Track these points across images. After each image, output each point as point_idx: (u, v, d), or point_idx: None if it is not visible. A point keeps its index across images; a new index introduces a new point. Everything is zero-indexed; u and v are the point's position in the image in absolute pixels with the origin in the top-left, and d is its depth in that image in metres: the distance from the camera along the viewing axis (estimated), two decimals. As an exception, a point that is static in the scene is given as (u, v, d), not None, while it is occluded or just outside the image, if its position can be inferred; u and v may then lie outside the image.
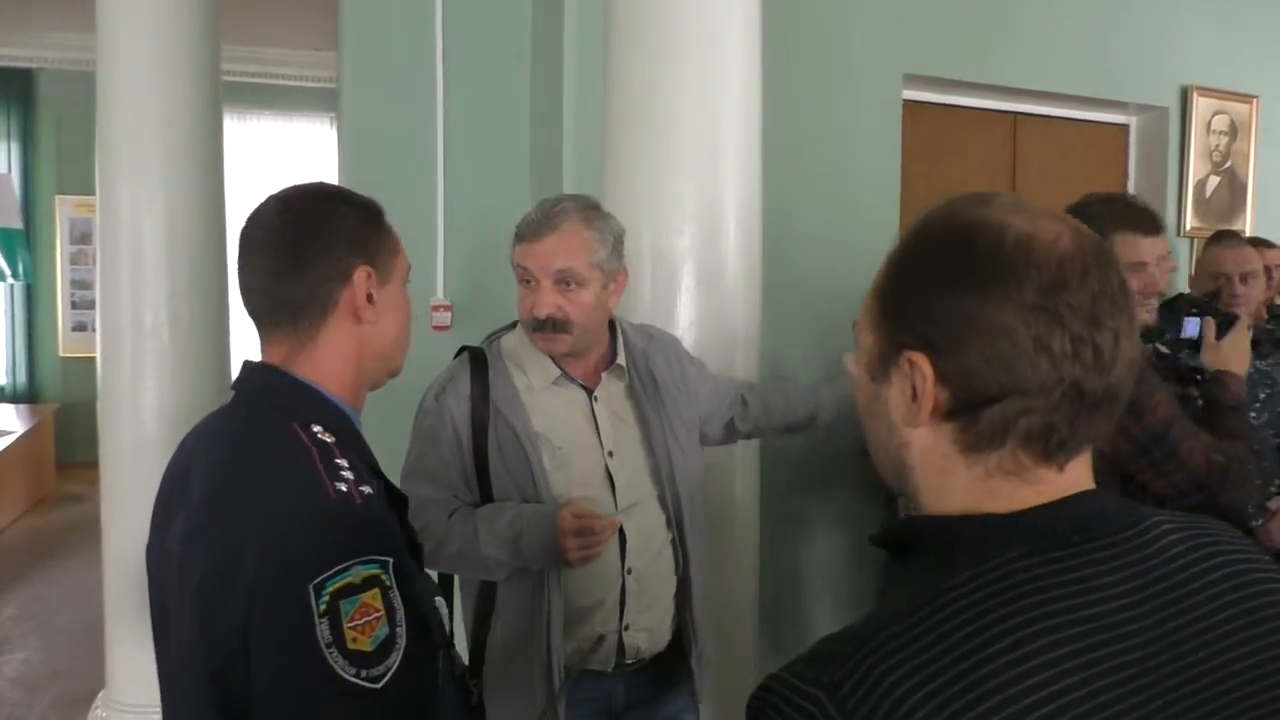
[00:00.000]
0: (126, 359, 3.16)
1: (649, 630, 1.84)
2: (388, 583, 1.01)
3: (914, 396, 0.75)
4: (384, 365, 1.26)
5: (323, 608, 0.97)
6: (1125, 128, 4.48)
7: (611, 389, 1.86)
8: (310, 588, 0.97)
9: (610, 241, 1.75)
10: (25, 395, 8.40)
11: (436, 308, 3.44)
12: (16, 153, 8.30)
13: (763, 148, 2.50)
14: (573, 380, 1.82)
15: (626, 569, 1.80)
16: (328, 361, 1.17)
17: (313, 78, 7.87)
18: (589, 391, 1.83)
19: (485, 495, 1.78)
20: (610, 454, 1.81)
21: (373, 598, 1.00)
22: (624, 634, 1.81)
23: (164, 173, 3.12)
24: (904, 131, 3.84)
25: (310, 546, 1.00)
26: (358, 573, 1.00)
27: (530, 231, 1.75)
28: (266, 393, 1.17)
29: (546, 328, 1.73)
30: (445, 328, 3.46)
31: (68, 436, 7.80)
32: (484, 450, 1.76)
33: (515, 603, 1.78)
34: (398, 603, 1.02)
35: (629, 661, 1.83)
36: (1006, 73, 3.98)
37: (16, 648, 4.40)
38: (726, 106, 2.38)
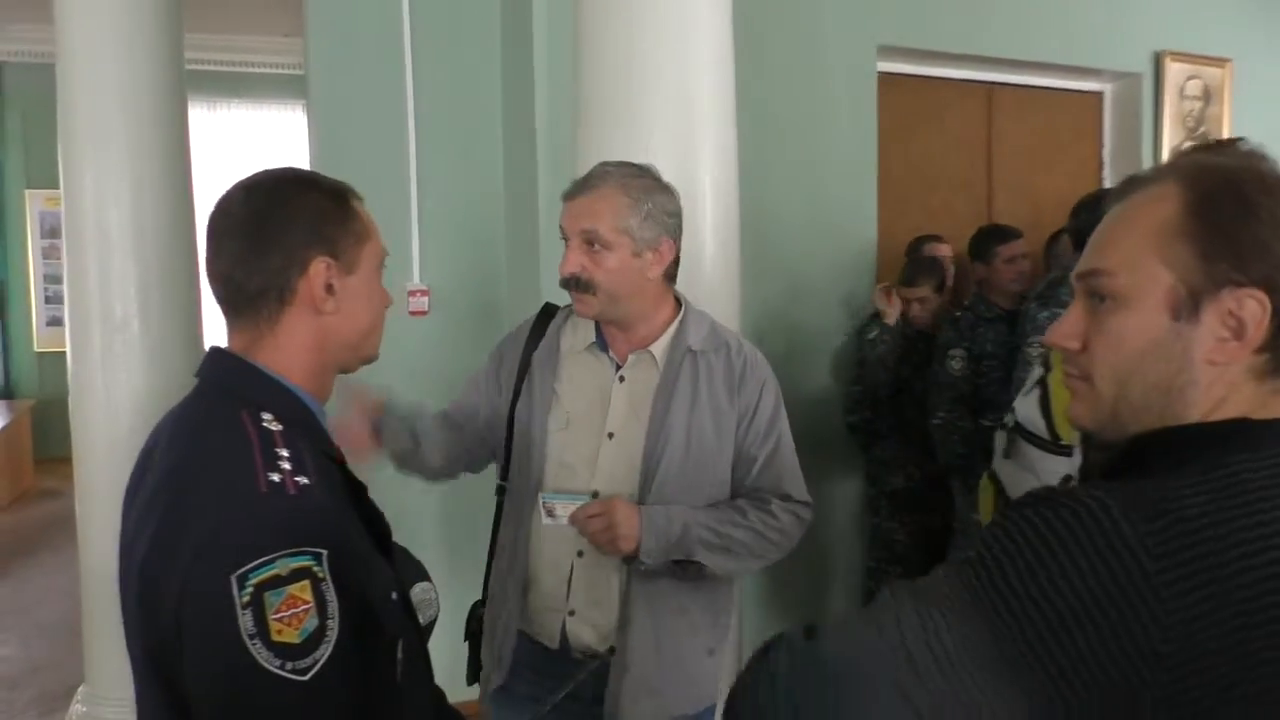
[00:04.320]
0: (96, 351, 3.12)
1: (594, 625, 1.78)
2: (320, 575, 1.00)
3: (1233, 334, 0.81)
4: (352, 354, 1.23)
5: (246, 599, 0.96)
6: (1100, 95, 4.48)
7: (642, 373, 1.79)
8: (233, 578, 0.96)
9: (645, 209, 1.70)
10: (1, 392, 8.31)
11: (413, 293, 3.41)
12: (-18, 147, 8.17)
13: (737, 125, 2.47)
14: (604, 351, 1.82)
15: (578, 551, 1.77)
16: (288, 350, 1.16)
17: (282, 64, 7.77)
18: (618, 367, 1.81)
19: (509, 428, 1.86)
20: (610, 435, 1.78)
21: (301, 590, 0.98)
22: (568, 618, 1.79)
23: (129, 162, 3.07)
24: (879, 104, 3.82)
25: (235, 537, 0.99)
26: (285, 564, 0.98)
27: (570, 190, 1.77)
28: (222, 380, 1.16)
29: (571, 286, 1.74)
30: (423, 312, 3.44)
31: (45, 432, 7.71)
32: (519, 393, 1.86)
33: (505, 552, 1.86)
34: (331, 595, 1.00)
35: (576, 653, 1.79)
36: (981, 42, 3.97)
37: (-2, 645, 4.37)
38: (700, 86, 2.35)
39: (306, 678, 0.97)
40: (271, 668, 0.96)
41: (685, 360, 1.78)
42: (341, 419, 1.68)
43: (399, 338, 3.39)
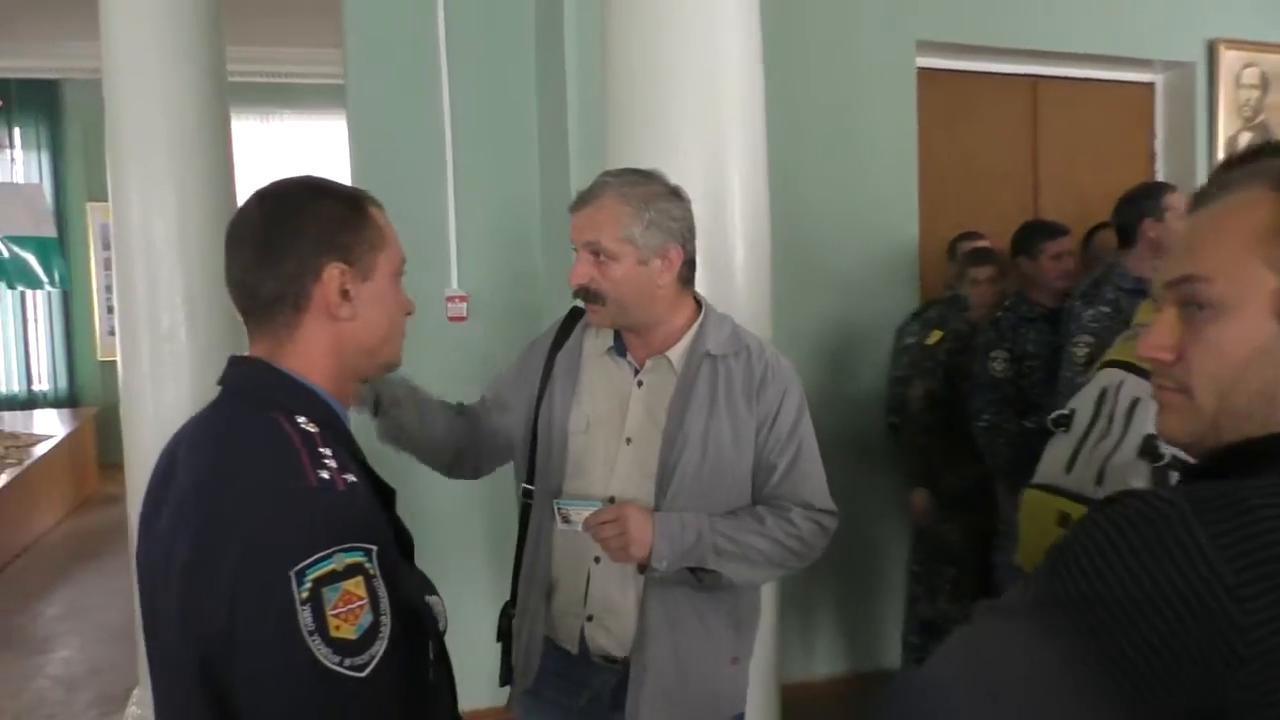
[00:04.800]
0: (145, 361, 3.19)
1: (611, 631, 1.78)
2: (371, 571, 1.00)
3: None
4: (370, 360, 1.24)
5: (304, 595, 0.96)
6: (1151, 86, 4.37)
7: (660, 378, 1.78)
8: (292, 574, 0.96)
9: (647, 217, 1.69)
10: (66, 399, 8.57)
11: (451, 299, 3.44)
12: (47, 162, 8.45)
13: (772, 123, 2.45)
14: (622, 356, 1.81)
15: (595, 556, 1.76)
16: (309, 355, 1.17)
17: (332, 75, 7.89)
18: (636, 371, 1.80)
19: (533, 431, 1.86)
20: (628, 440, 1.77)
21: (356, 585, 0.99)
22: (586, 623, 1.79)
23: (173, 175, 3.14)
24: (919, 100, 3.77)
25: (291, 533, 0.99)
26: (340, 560, 0.98)
27: (573, 203, 1.77)
28: (250, 386, 1.16)
29: (582, 297, 1.74)
30: (462, 318, 3.46)
31: (108, 438, 7.90)
32: (543, 395, 1.86)
33: (528, 557, 1.86)
34: (382, 591, 1.01)
35: (595, 658, 1.79)
36: (1024, 35, 3.89)
37: (59, 646, 4.49)
38: (727, 85, 2.33)
39: (364, 674, 0.97)
40: (330, 664, 0.96)
41: (703, 365, 1.75)
42: None
43: (439, 344, 3.42)
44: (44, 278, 7.31)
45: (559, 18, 3.15)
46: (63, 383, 8.63)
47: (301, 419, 1.11)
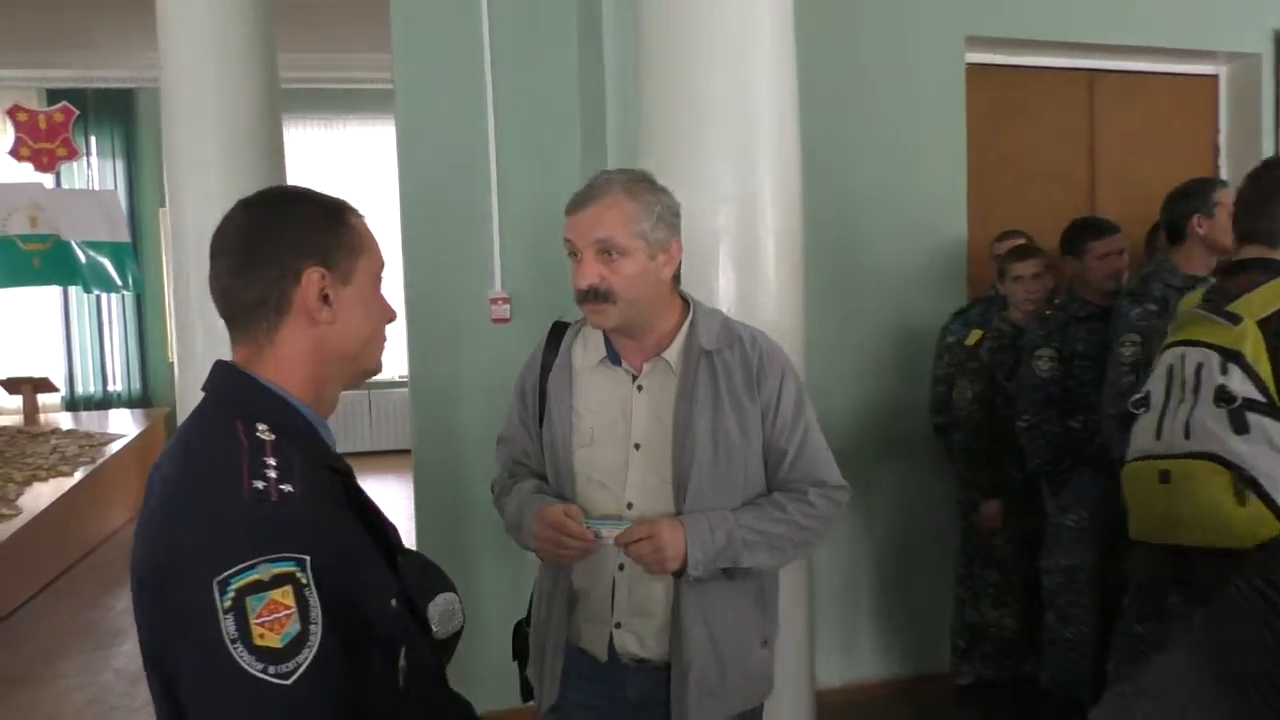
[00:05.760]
0: (200, 362, 3.29)
1: (639, 635, 1.78)
2: (303, 580, 1.02)
3: None
4: (351, 365, 1.25)
5: (227, 604, 0.99)
6: (1214, 78, 4.23)
7: (660, 379, 1.78)
8: (215, 583, 0.99)
9: (656, 212, 1.69)
10: (140, 400, 8.85)
11: (495, 300, 3.47)
12: (122, 169, 8.74)
13: (817, 121, 2.42)
14: (618, 363, 1.79)
15: (619, 564, 1.76)
16: (286, 361, 1.18)
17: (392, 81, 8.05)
18: (634, 377, 1.79)
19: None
20: (637, 446, 1.76)
21: (284, 595, 1.00)
22: (614, 631, 1.78)
23: (226, 181, 3.23)
24: (969, 97, 3.71)
25: (215, 543, 1.02)
26: (266, 570, 1.00)
27: (574, 203, 1.73)
28: (222, 391, 1.18)
29: (590, 298, 1.70)
30: (505, 320, 3.49)
31: (179, 438, 8.14)
32: (541, 417, 1.85)
33: (548, 569, 1.87)
34: (314, 600, 1.02)
35: (625, 661, 1.79)
36: (1079, 28, 3.80)
37: (125, 640, 4.64)
38: (758, 87, 2.33)
39: (289, 682, 0.99)
40: (254, 671, 0.98)
41: (701, 362, 1.75)
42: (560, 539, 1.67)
43: (483, 345, 3.46)
44: (119, 282, 7.55)
45: (598, 23, 3.17)
46: (136, 384, 8.92)
47: (262, 426, 1.12)
